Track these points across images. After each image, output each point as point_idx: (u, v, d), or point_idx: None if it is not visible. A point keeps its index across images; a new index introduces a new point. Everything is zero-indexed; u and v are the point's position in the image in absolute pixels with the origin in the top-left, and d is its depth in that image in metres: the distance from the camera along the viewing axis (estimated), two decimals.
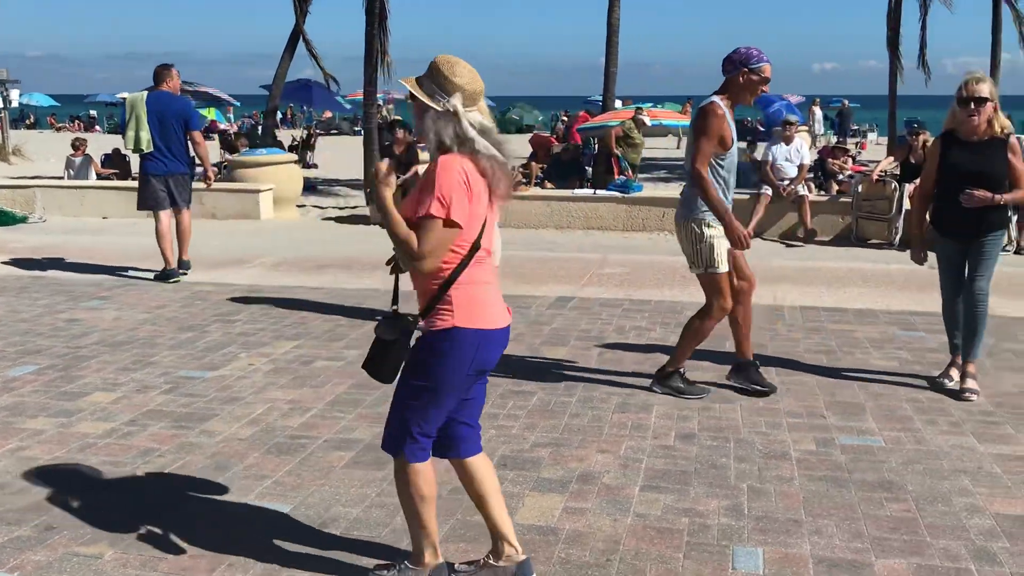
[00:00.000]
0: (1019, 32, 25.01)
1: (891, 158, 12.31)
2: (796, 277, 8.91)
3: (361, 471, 4.14)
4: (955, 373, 5.45)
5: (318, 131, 32.64)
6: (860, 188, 11.44)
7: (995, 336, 6.50)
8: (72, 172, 16.47)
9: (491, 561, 3.16)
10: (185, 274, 8.65)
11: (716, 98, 4.95)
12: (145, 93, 8.62)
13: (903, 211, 10.84)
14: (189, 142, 8.68)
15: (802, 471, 4.17)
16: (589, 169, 16.00)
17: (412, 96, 2.91)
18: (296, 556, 3.37)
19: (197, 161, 8.94)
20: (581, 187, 13.88)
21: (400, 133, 13.24)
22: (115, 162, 17.82)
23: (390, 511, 3.72)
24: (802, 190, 11.63)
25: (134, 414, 4.88)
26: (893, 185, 11.09)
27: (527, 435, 4.58)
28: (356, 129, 38.91)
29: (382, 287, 8.06)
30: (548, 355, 6.02)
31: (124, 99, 9.22)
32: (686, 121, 17.30)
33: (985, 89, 5.04)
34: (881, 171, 11.50)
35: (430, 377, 2.90)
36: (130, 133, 8.46)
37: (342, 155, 27.80)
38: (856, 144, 30.49)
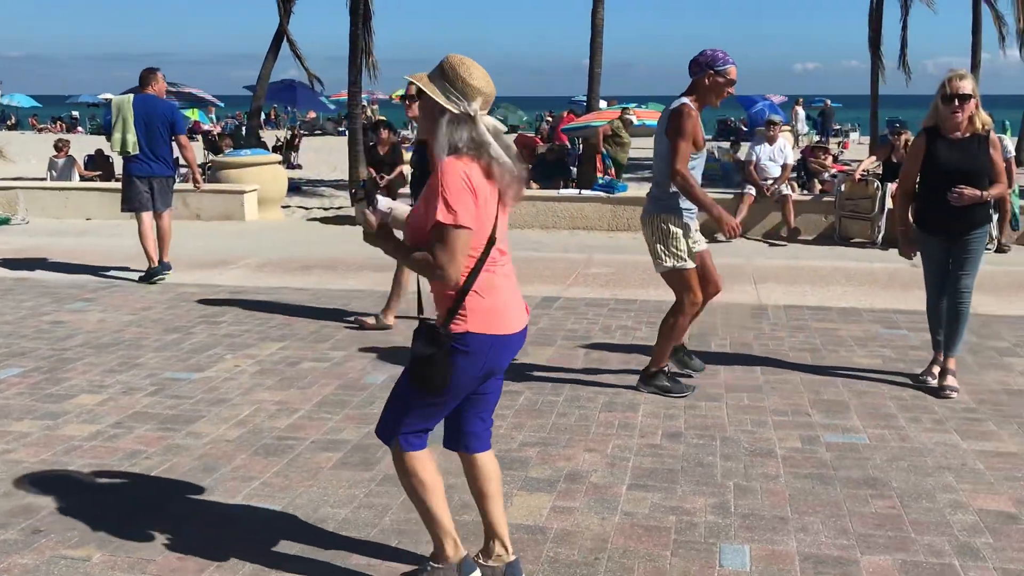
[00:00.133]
0: (999, 32, 25.25)
1: (873, 157, 12.41)
2: (780, 276, 8.96)
3: (349, 472, 4.14)
4: (937, 370, 5.50)
5: (302, 131, 32.61)
6: (843, 187, 11.52)
7: (977, 334, 6.57)
8: (55, 173, 16.38)
9: (481, 560, 3.17)
10: (163, 277, 8.64)
11: (686, 100, 4.97)
12: (131, 96, 8.70)
13: (885, 210, 10.92)
14: (175, 146, 8.75)
15: (788, 469, 4.20)
16: (574, 169, 16.03)
17: (420, 94, 2.83)
18: (285, 557, 3.37)
19: (181, 163, 8.97)
20: (566, 187, 13.92)
21: (384, 133, 13.21)
22: (98, 163, 17.74)
23: (378, 511, 3.73)
24: (785, 189, 11.70)
25: (120, 416, 4.86)
26: (875, 184, 11.17)
27: (515, 435, 4.60)
28: (340, 129, 38.83)
29: (367, 288, 8.06)
30: (535, 355, 6.04)
31: (107, 100, 9.24)
32: None
33: (968, 86, 5.10)
34: (863, 170, 11.58)
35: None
36: (116, 135, 8.50)
37: (326, 156, 27.78)
38: (838, 144, 30.69)
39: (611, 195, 12.27)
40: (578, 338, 6.54)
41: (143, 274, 8.62)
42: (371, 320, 6.77)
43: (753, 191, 11.66)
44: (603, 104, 19.02)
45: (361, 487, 3.98)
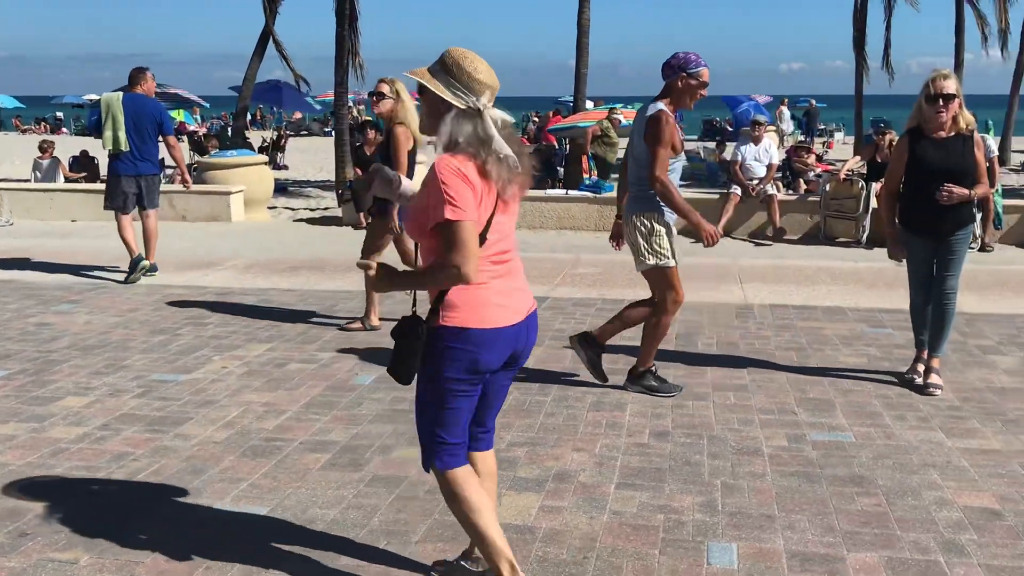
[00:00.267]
0: (981, 33, 25.44)
1: (858, 157, 12.48)
2: (766, 275, 9.00)
3: (337, 473, 4.14)
4: (921, 368, 5.54)
5: (288, 132, 32.51)
6: (828, 187, 11.58)
7: (961, 332, 6.62)
8: (39, 175, 16.29)
9: (463, 564, 3.17)
10: (145, 264, 8.69)
11: (663, 105, 4.98)
12: (120, 94, 8.71)
13: (870, 210, 10.99)
14: (164, 146, 8.78)
15: (774, 467, 4.23)
16: (561, 170, 16.07)
17: (421, 91, 2.77)
18: (273, 558, 3.37)
19: (168, 164, 9.01)
20: (553, 187, 13.94)
21: (371, 134, 13.19)
22: (83, 164, 17.66)
23: (367, 512, 3.74)
24: (771, 189, 11.75)
25: (107, 418, 4.85)
26: (860, 184, 11.23)
27: (503, 435, 4.61)
28: (326, 130, 38.78)
29: (355, 288, 8.05)
30: None
31: (92, 101, 9.26)
32: None
33: (952, 86, 5.14)
34: (848, 170, 11.65)
35: (428, 378, 2.84)
36: (107, 133, 8.51)
37: (312, 156, 27.73)
38: (823, 143, 30.84)
39: (598, 195, 12.30)
40: (566, 338, 6.55)
41: (127, 271, 8.66)
42: (356, 324, 6.77)
43: (739, 191, 11.71)
44: (590, 104, 19.07)
45: (350, 488, 3.98)
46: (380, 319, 6.78)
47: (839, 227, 11.49)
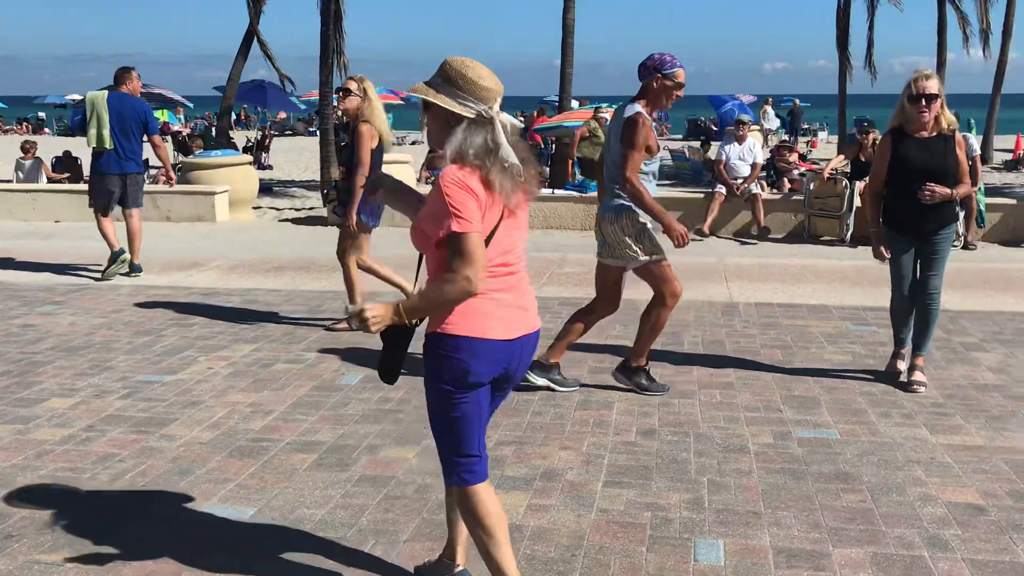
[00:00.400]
0: (962, 32, 25.61)
1: (842, 156, 12.54)
2: (751, 274, 9.04)
3: (325, 473, 4.14)
4: (901, 365, 5.57)
5: (273, 132, 32.42)
6: (812, 186, 11.64)
7: (945, 330, 6.67)
8: (22, 175, 16.18)
9: (446, 559, 3.18)
10: (126, 258, 8.71)
11: (639, 107, 5.00)
12: (106, 92, 8.73)
13: (854, 208, 11.05)
14: (149, 145, 8.82)
15: (760, 464, 4.25)
16: (547, 169, 16.09)
17: (426, 106, 2.72)
18: (261, 558, 3.36)
19: (152, 164, 9.05)
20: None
21: None
22: (66, 165, 17.55)
23: (355, 512, 3.74)
24: (755, 188, 11.80)
25: (92, 419, 4.82)
26: (844, 183, 11.30)
27: (491, 433, 4.61)
28: (311, 130, 38.67)
29: (341, 289, 8.02)
30: None
31: (74, 101, 9.25)
32: None
33: (934, 86, 5.17)
34: (832, 169, 11.71)
35: (429, 388, 2.81)
36: (92, 131, 8.55)
37: (297, 156, 27.66)
38: (807, 143, 30.99)
39: (584, 195, 12.32)
40: (552, 337, 6.54)
41: (106, 265, 8.72)
42: (343, 324, 6.76)
43: (723, 190, 11.76)
44: (575, 104, 19.09)
45: (337, 488, 3.97)
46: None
47: (823, 226, 11.55)
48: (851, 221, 11.14)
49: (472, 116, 2.66)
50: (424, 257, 2.82)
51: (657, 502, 3.84)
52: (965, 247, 10.63)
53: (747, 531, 3.58)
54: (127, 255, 8.73)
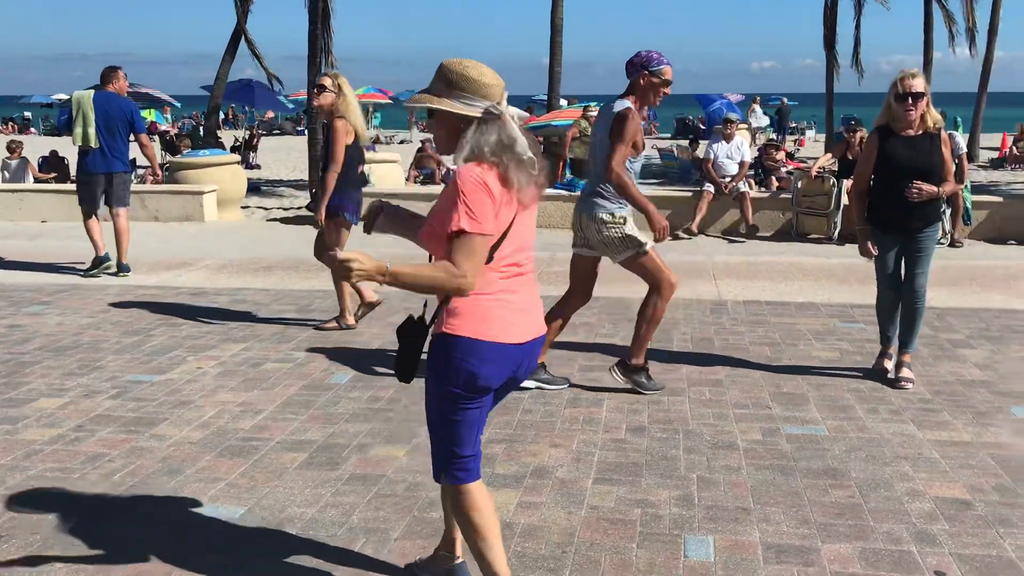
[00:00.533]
0: (948, 31, 25.75)
1: (829, 155, 12.59)
2: (739, 272, 9.08)
3: (315, 472, 4.14)
4: (888, 364, 5.60)
5: (260, 131, 32.34)
6: (799, 184, 11.68)
7: (931, 326, 6.71)
8: (8, 175, 16.10)
9: (443, 552, 3.18)
10: (110, 264, 8.73)
11: (628, 103, 5.02)
12: (92, 92, 8.75)
13: (841, 206, 11.09)
14: (136, 144, 8.83)
15: (749, 461, 4.27)
16: None
17: (431, 113, 2.69)
18: (252, 557, 3.36)
19: (139, 164, 9.10)
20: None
21: None
22: (53, 164, 17.48)
23: (345, 510, 3.74)
24: (743, 187, 11.83)
25: (81, 419, 4.81)
26: (831, 181, 11.34)
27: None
28: (299, 129, 38.58)
29: (330, 288, 8.02)
30: None
31: (60, 100, 9.25)
32: None
33: (920, 84, 5.21)
34: (819, 167, 11.75)
35: (433, 389, 2.77)
36: (77, 130, 8.57)
37: (285, 155, 27.59)
38: (795, 141, 31.10)
39: (573, 193, 12.33)
40: None
41: (89, 265, 8.79)
42: (332, 324, 6.76)
43: (712, 189, 11.78)
44: (563, 103, 19.11)
45: (327, 487, 3.98)
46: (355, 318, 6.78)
47: (811, 224, 11.60)
48: (839, 219, 11.19)
49: (481, 115, 2.64)
50: (432, 258, 2.78)
51: (647, 499, 3.85)
52: (952, 244, 10.68)
53: (736, 527, 3.60)
54: (111, 263, 8.76)
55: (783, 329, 6.76)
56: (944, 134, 5.38)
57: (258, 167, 23.56)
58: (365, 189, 13.03)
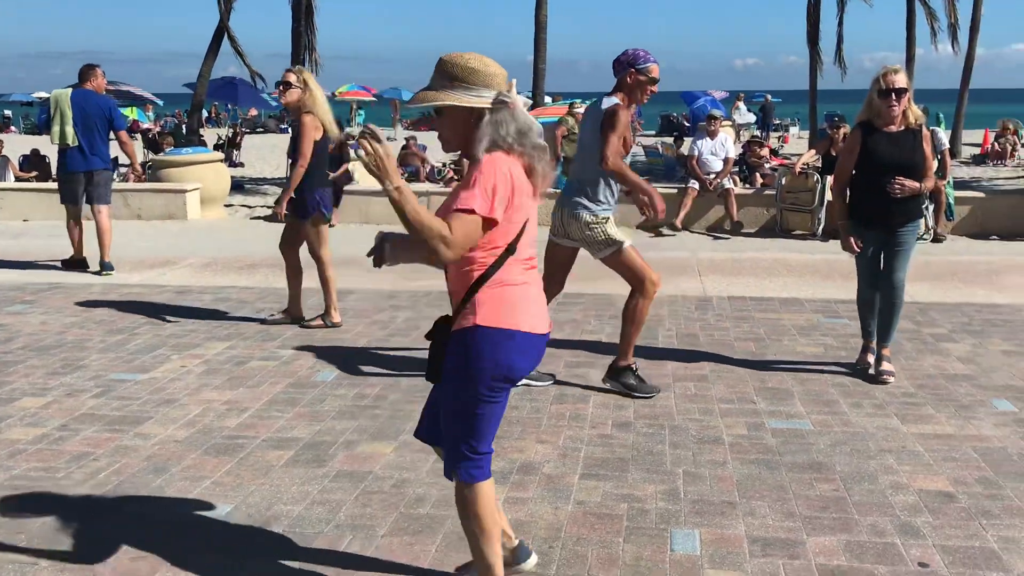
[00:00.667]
0: (931, 28, 25.91)
1: (813, 151, 12.65)
2: (724, 268, 9.11)
3: (301, 469, 4.13)
4: (871, 358, 5.63)
5: (244, 129, 32.19)
6: (783, 181, 11.73)
7: (914, 321, 6.76)
8: None
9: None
10: (96, 272, 8.71)
11: (617, 99, 5.03)
12: (70, 90, 8.76)
13: (825, 202, 11.15)
14: (115, 141, 8.82)
15: (735, 455, 4.29)
16: None
17: (439, 112, 2.65)
18: (238, 556, 3.36)
19: (121, 162, 9.12)
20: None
21: None
22: (34, 163, 17.37)
23: (332, 508, 3.73)
24: (727, 183, 11.88)
25: (65, 419, 4.78)
26: (815, 177, 11.40)
27: None
28: (282, 127, 38.45)
29: (315, 286, 8.00)
30: None
31: (40, 99, 9.23)
32: None
33: (902, 80, 5.24)
34: (803, 164, 11.81)
35: (457, 382, 2.71)
36: (55, 128, 8.58)
37: (269, 153, 27.47)
38: (779, 138, 31.22)
39: (557, 189, 12.33)
40: None
41: (66, 263, 8.91)
42: (317, 321, 6.74)
43: (696, 185, 11.82)
44: (548, 100, 19.12)
45: (314, 484, 3.97)
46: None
47: (795, 220, 11.65)
48: (822, 215, 11.25)
49: (490, 105, 2.61)
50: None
51: (633, 493, 3.86)
52: (935, 240, 10.76)
53: (722, 521, 3.62)
54: (88, 270, 8.85)
55: (768, 325, 6.79)
56: (925, 131, 5.41)
57: (241, 165, 23.47)
58: (350, 186, 13.02)
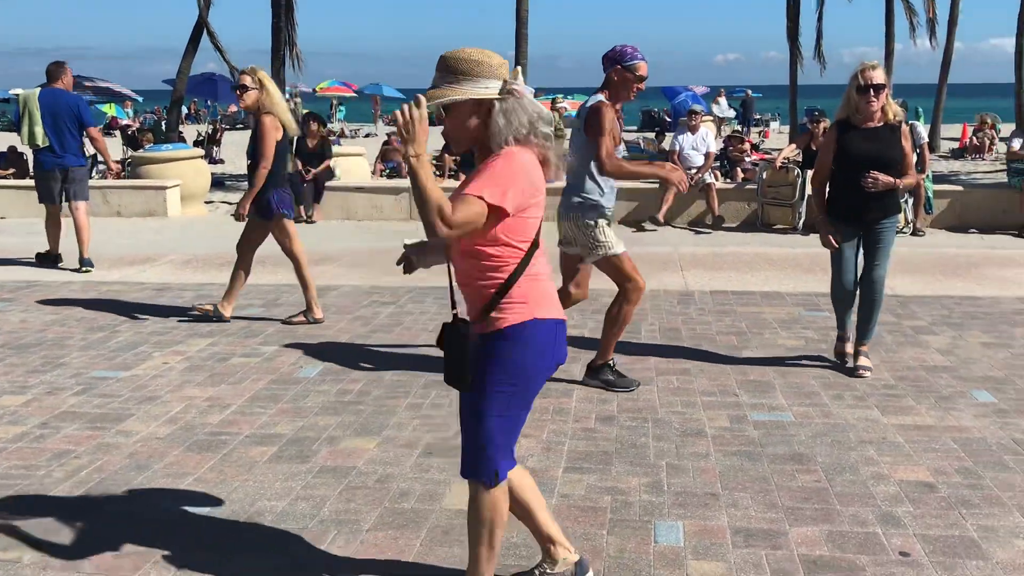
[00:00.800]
0: (909, 23, 26.07)
1: (793, 146, 12.70)
2: (706, 262, 9.14)
3: (285, 465, 4.12)
4: (848, 347, 5.63)
5: (224, 126, 31.99)
6: (764, 175, 11.78)
7: (895, 314, 6.81)
8: None
9: (548, 570, 3.04)
10: (75, 269, 8.68)
11: (601, 97, 5.03)
12: (38, 90, 8.75)
13: (805, 197, 11.20)
14: (85, 138, 8.83)
15: (717, 447, 4.32)
16: None
17: (447, 108, 2.60)
18: (222, 551, 3.35)
19: (100, 159, 9.14)
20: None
21: (314, 126, 13.07)
22: (11, 160, 17.19)
23: (316, 503, 3.73)
24: (709, 178, 11.91)
25: (46, 417, 4.75)
26: (796, 172, 11.45)
27: (451, 423, 4.62)
28: None
29: (296, 282, 7.98)
30: None
31: (16, 95, 9.17)
32: None
33: (880, 75, 5.25)
34: (784, 158, 11.86)
35: (513, 377, 2.65)
36: (25, 129, 8.61)
37: None
38: (759, 133, 31.34)
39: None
40: None
41: (42, 254, 8.98)
42: (299, 318, 6.72)
43: None
44: None
45: (298, 480, 3.96)
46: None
47: (776, 214, 11.70)
48: (803, 209, 11.30)
49: (499, 95, 2.58)
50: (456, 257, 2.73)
51: (617, 486, 3.88)
52: (914, 233, 10.83)
53: (705, 512, 3.63)
54: (61, 264, 8.87)
55: (749, 318, 6.83)
56: (904, 127, 5.42)
57: (222, 162, 23.34)
58: (331, 182, 12.97)
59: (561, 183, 4.41)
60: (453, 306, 2.74)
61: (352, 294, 7.70)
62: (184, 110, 30.66)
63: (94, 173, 13.11)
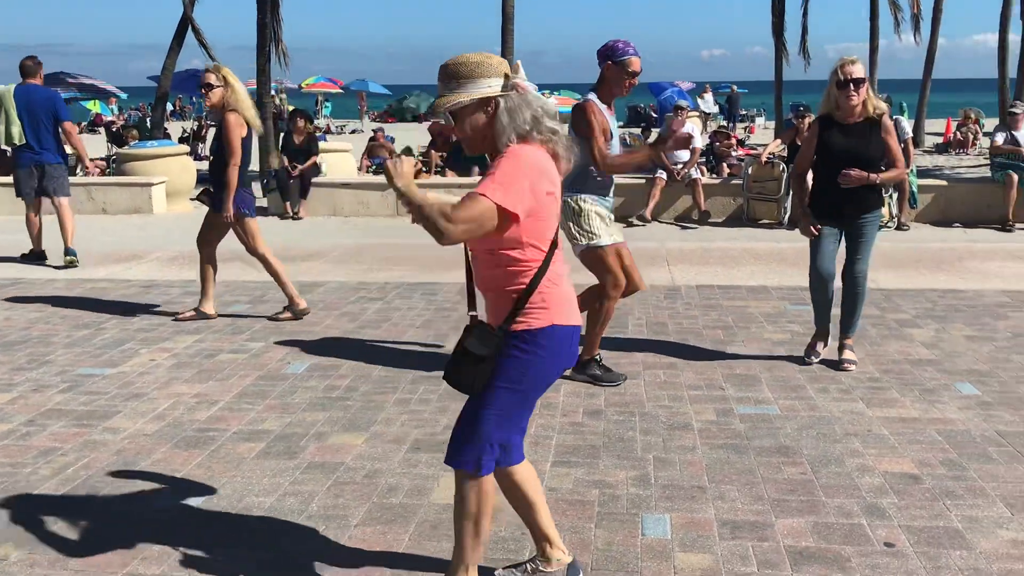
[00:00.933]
0: (894, 18, 26.18)
1: (779, 141, 12.76)
2: (692, 257, 9.17)
3: (273, 461, 4.12)
4: (820, 348, 5.64)
5: (209, 122, 31.84)
6: (750, 170, 11.82)
7: (879, 307, 6.85)
8: None
9: (541, 568, 3.06)
10: (73, 263, 8.68)
11: (591, 95, 5.05)
12: (13, 87, 8.74)
13: (791, 192, 11.25)
14: (62, 133, 8.80)
15: (704, 440, 4.34)
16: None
17: (454, 112, 2.63)
18: (210, 547, 3.35)
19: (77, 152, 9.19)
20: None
21: (300, 123, 13.03)
22: None
23: (304, 498, 3.73)
24: (695, 173, 11.94)
25: (32, 414, 4.74)
26: (781, 167, 11.49)
27: (439, 418, 4.64)
28: None
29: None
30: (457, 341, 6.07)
31: None
32: None
33: (860, 70, 5.26)
34: (769, 153, 11.90)
35: (525, 379, 2.68)
36: (0, 128, 8.59)
37: None
38: (745, 128, 31.41)
39: None
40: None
41: (26, 255, 8.97)
42: (286, 314, 6.71)
43: (664, 175, 11.87)
44: None
45: (286, 475, 3.96)
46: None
47: (761, 209, 11.75)
48: (788, 204, 11.34)
49: (503, 92, 2.60)
50: (474, 257, 2.75)
51: (604, 480, 3.90)
52: (898, 228, 10.89)
53: (692, 505, 3.66)
54: (46, 261, 8.86)
55: (735, 312, 6.86)
56: (888, 122, 5.40)
57: (207, 158, 23.23)
58: (317, 178, 12.93)
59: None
60: (471, 308, 2.77)
61: (339, 290, 7.69)
62: (169, 107, 30.52)
63: (78, 171, 13.02)
